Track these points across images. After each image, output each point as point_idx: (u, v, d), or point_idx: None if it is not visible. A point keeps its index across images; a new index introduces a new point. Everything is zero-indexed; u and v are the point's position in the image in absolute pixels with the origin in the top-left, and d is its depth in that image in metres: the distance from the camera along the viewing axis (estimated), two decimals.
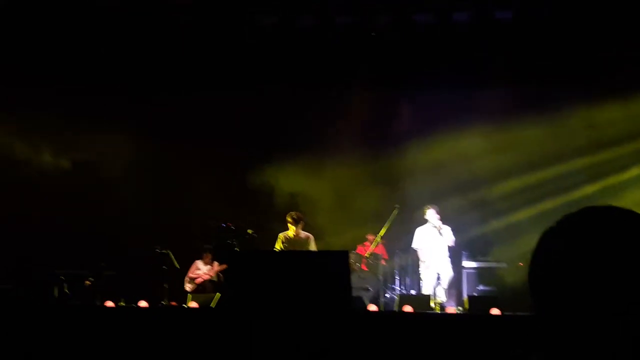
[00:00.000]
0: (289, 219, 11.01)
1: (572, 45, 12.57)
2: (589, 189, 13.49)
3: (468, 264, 12.84)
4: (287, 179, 13.85)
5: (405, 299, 10.95)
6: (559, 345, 1.37)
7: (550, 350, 1.38)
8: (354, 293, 10.49)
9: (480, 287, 12.61)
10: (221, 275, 13.32)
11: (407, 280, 13.41)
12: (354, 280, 12.04)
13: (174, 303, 12.05)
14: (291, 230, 11.02)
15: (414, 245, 12.17)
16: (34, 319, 8.55)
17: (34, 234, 12.87)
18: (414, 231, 12.22)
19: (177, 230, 14.05)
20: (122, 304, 11.26)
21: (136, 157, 14.02)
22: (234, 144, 14.28)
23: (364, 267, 13.24)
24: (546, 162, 13.71)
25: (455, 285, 12.63)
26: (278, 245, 11.12)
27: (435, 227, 11.88)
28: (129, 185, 14.11)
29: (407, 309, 9.92)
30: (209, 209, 13.96)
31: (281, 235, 11.17)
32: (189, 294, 12.09)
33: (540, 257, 1.45)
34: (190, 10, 12.71)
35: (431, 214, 11.93)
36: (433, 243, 11.95)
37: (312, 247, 11.03)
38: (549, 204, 13.23)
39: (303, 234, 11.08)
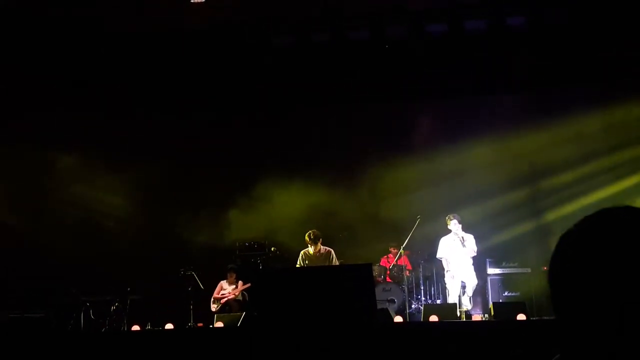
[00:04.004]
0: (307, 239, 11.04)
1: (587, 47, 12.52)
2: (612, 189, 13.38)
3: (492, 270, 12.78)
4: (306, 194, 13.87)
5: (430, 308, 10.90)
6: (578, 347, 1.38)
7: (570, 352, 1.39)
8: (380, 305, 10.47)
9: (506, 294, 12.55)
10: (246, 294, 13.36)
11: (432, 290, 13.38)
12: (379, 292, 12.05)
13: (200, 324, 12.09)
14: (311, 249, 11.05)
15: (439, 255, 12.13)
16: (62, 346, 8.61)
17: (60, 263, 12.97)
18: (438, 241, 12.18)
19: (200, 252, 14.14)
20: (149, 327, 11.32)
21: (156, 182, 14.10)
22: (253, 163, 14.32)
23: (389, 279, 13.23)
24: (566, 165, 13.63)
25: (480, 293, 12.58)
26: (299, 263, 11.14)
27: (458, 236, 11.84)
28: (149, 210, 14.22)
29: (433, 318, 9.88)
30: (231, 229, 14.06)
31: (302, 253, 11.20)
32: (215, 315, 12.11)
33: (559, 260, 1.45)
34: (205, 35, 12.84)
35: (454, 224, 11.89)
36: (457, 252, 11.90)
37: (334, 260, 11.05)
38: (571, 207, 13.15)
39: (323, 248, 11.11)
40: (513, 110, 13.56)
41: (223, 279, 13.59)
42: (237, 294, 13.37)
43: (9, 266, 12.66)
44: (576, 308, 1.38)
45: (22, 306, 11.05)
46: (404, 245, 12.70)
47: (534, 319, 9.95)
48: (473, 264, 11.95)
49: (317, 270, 10.43)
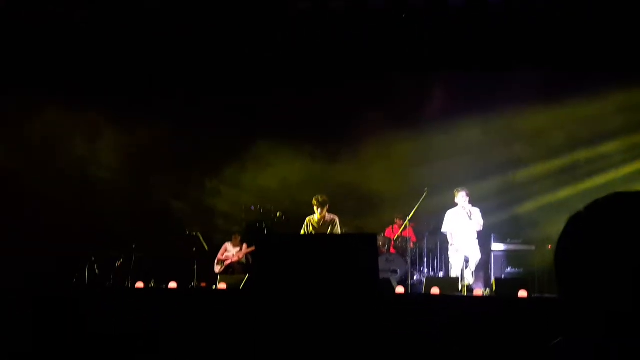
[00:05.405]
0: (315, 202, 11.05)
1: (606, 25, 12.37)
2: (622, 171, 13.33)
3: (497, 246, 12.78)
4: (315, 164, 13.87)
5: (432, 281, 10.95)
6: (582, 329, 1.39)
7: (573, 334, 1.40)
8: (382, 275, 10.51)
9: (509, 270, 12.57)
10: (250, 257, 13.43)
11: (435, 263, 13.42)
12: (382, 262, 12.08)
13: (203, 284, 12.18)
14: (317, 214, 11.07)
15: (444, 228, 12.11)
16: (67, 300, 8.69)
17: (67, 218, 13.04)
18: (444, 214, 12.16)
19: (206, 213, 14.19)
20: (153, 285, 11.41)
21: (165, 143, 14.14)
22: (262, 131, 14.26)
23: (392, 250, 13.27)
24: (577, 144, 13.56)
25: (483, 268, 12.60)
26: (304, 230, 11.18)
27: (465, 210, 11.82)
28: (156, 170, 14.26)
29: (435, 291, 9.92)
30: (239, 193, 14.10)
31: (307, 220, 11.23)
32: (218, 276, 12.21)
33: (567, 242, 1.45)
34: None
35: (461, 197, 11.86)
36: (462, 226, 11.89)
37: (337, 228, 11.08)
38: (578, 187, 13.13)
39: (328, 216, 11.14)
40: (528, 87, 13.42)
41: (228, 241, 13.68)
42: (241, 256, 13.46)
43: (14, 219, 12.75)
44: (581, 290, 1.39)
45: (27, 259, 11.14)
46: (409, 217, 12.70)
47: (536, 296, 9.98)
48: (477, 239, 11.96)
49: (322, 237, 10.47)
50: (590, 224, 1.42)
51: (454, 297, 9.58)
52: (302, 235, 11.04)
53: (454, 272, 11.80)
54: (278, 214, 12.88)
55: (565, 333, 1.41)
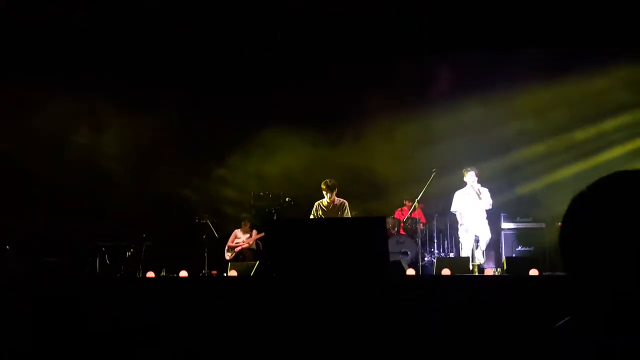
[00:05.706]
0: (324, 187, 11.04)
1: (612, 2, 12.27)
2: (630, 147, 13.27)
3: (507, 225, 12.76)
4: (320, 149, 13.83)
5: (443, 262, 10.92)
6: (588, 309, 1.37)
7: (579, 313, 1.38)
8: (393, 258, 10.49)
9: (519, 248, 12.54)
10: (260, 243, 13.45)
11: (446, 243, 13.40)
12: (393, 244, 12.08)
13: (214, 272, 12.20)
14: (326, 198, 11.06)
15: (453, 208, 12.07)
16: (77, 290, 8.71)
17: (76, 209, 13.08)
18: (453, 194, 12.12)
19: (214, 201, 14.20)
20: (164, 274, 11.43)
21: (171, 133, 14.15)
22: (266, 119, 14.24)
23: (402, 232, 13.26)
24: (585, 121, 13.50)
25: (493, 247, 12.59)
26: (314, 214, 11.17)
27: (474, 189, 11.77)
28: (163, 159, 14.27)
29: (446, 271, 9.90)
30: (246, 180, 14.10)
31: (316, 204, 11.22)
32: (228, 263, 12.23)
33: (571, 221, 1.44)
34: None
35: (470, 177, 11.81)
36: (472, 206, 11.85)
37: (347, 212, 11.07)
38: (587, 164, 13.08)
39: (337, 200, 11.13)
40: (532, 64, 13.37)
41: (237, 228, 13.70)
42: (251, 243, 13.48)
43: (26, 212, 12.80)
44: (587, 270, 1.37)
45: (38, 251, 11.17)
46: (418, 198, 12.68)
47: (547, 274, 9.95)
48: (487, 218, 11.93)
49: (331, 221, 10.46)
50: (595, 203, 1.41)
51: (465, 277, 9.55)
52: (311, 219, 11.04)
53: (465, 252, 11.77)
54: (287, 199, 12.87)
55: (573, 313, 1.40)
